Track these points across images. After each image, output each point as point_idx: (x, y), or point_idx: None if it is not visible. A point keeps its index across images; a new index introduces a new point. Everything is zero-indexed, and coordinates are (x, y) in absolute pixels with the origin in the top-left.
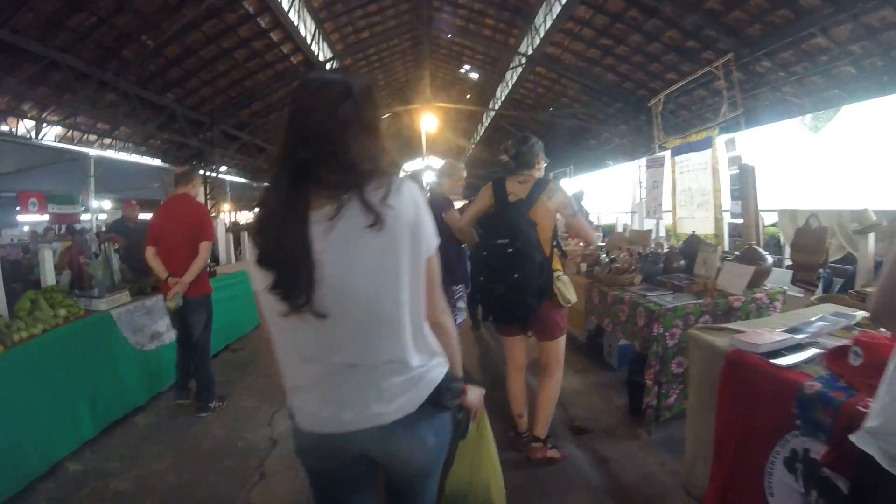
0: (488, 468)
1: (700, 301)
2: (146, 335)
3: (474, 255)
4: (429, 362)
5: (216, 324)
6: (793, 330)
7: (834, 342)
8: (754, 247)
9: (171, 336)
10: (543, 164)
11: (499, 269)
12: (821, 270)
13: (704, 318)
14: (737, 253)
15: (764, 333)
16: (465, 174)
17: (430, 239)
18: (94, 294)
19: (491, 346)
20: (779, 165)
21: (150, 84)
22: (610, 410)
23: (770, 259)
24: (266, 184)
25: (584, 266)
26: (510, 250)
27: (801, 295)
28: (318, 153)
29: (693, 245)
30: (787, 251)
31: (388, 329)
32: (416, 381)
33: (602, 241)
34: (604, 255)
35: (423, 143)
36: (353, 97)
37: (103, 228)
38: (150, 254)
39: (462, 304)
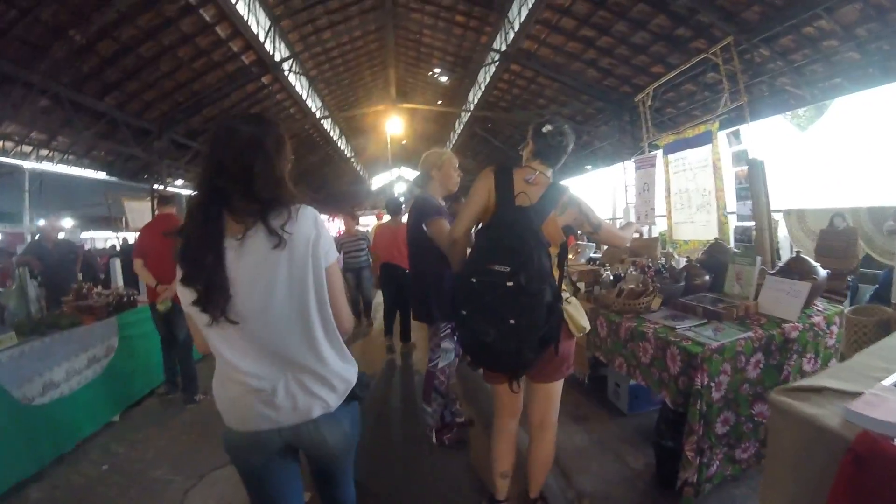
0: None
1: (750, 334)
2: (37, 386)
3: (459, 280)
4: (344, 363)
5: (141, 363)
6: None
7: None
8: (802, 255)
9: (71, 385)
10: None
11: (489, 307)
12: (850, 278)
13: (757, 357)
14: (779, 264)
15: (888, 399)
16: (457, 163)
17: (328, 254)
18: None
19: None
20: (771, 163)
21: (86, 87)
22: (627, 478)
23: (823, 272)
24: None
25: (581, 285)
26: (510, 283)
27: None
28: (232, 182)
29: (718, 255)
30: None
31: (303, 332)
32: (335, 381)
33: (595, 252)
34: (606, 272)
35: (388, 147)
36: (262, 145)
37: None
38: (139, 265)
39: (449, 345)
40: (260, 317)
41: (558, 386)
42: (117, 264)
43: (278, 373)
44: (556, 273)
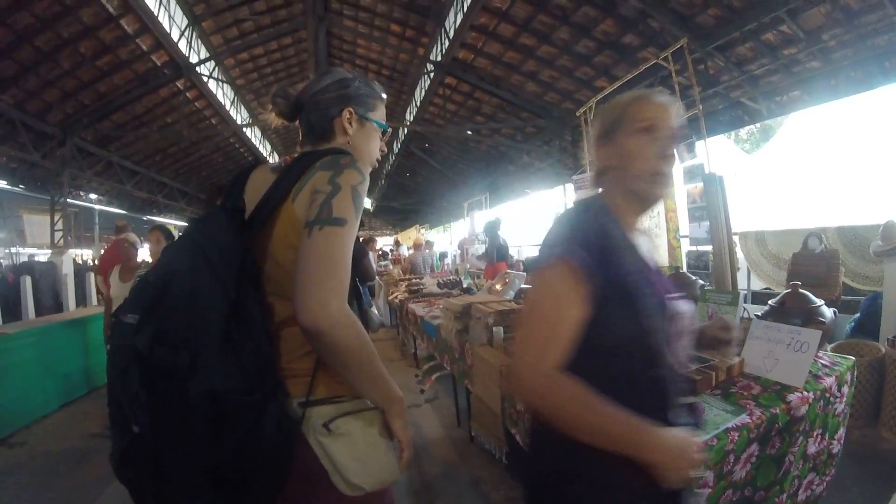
0: None
1: (746, 419)
2: None
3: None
4: None
5: None
6: None
7: None
8: (801, 289)
9: None
10: (358, 127)
11: (114, 399)
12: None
13: (751, 450)
14: (770, 303)
15: None
16: None
17: None
18: None
19: None
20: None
21: None
22: None
23: (829, 311)
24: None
25: (499, 331)
26: (132, 348)
27: None
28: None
29: (680, 287)
30: (752, 281)
31: None
32: None
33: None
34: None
35: None
36: None
37: None
38: (100, 280)
39: None
40: None
41: None
42: (28, 283)
43: None
44: (285, 342)
